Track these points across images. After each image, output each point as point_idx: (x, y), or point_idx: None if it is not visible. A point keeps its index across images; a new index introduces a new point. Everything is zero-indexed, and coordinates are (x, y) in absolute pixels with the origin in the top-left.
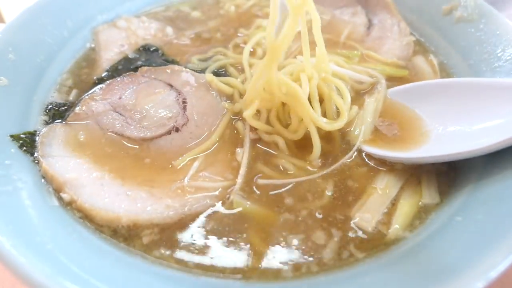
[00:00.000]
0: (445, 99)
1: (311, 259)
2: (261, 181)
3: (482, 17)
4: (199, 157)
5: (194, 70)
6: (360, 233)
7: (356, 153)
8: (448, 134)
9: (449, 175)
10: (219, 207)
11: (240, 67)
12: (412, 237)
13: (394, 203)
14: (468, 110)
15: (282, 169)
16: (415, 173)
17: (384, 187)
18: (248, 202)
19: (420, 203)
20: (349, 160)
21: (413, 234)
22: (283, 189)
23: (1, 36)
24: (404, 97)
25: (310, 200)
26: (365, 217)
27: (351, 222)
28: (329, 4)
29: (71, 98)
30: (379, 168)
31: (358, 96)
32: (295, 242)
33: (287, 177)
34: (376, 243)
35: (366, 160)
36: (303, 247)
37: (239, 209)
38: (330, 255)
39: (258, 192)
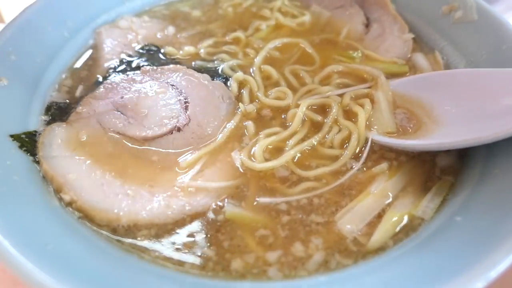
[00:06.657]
0: (452, 87)
1: (305, 260)
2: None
3: (482, 17)
4: (201, 157)
5: (196, 70)
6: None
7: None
8: (459, 122)
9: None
10: (216, 210)
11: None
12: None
13: (382, 212)
14: (477, 97)
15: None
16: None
17: (378, 193)
18: (241, 210)
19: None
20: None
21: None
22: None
23: (1, 36)
24: (408, 87)
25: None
26: (350, 228)
27: (337, 227)
28: (327, 4)
29: (72, 98)
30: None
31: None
32: (289, 244)
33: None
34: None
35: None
36: (299, 248)
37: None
38: (321, 258)
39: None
